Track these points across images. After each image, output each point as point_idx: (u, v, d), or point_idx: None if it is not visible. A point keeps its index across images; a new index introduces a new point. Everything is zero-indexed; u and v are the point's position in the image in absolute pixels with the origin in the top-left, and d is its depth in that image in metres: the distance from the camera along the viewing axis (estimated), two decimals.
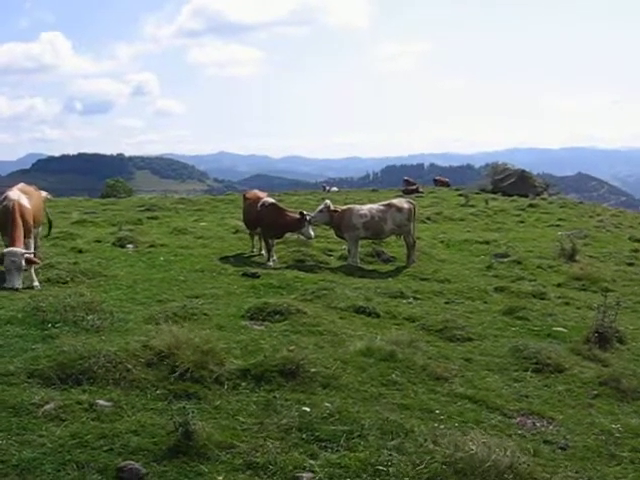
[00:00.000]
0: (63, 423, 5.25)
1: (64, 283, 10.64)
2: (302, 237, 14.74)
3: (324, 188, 47.80)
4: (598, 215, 29.63)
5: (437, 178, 50.27)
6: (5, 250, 10.08)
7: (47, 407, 5.48)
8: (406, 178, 44.68)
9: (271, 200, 14.64)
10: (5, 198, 10.78)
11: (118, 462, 4.69)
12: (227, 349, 6.94)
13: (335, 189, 47.55)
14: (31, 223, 10.86)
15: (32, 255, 10.28)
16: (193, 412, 5.16)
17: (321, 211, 14.64)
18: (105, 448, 4.92)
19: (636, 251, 18.88)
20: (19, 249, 10.05)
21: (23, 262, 9.95)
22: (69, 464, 4.67)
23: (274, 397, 5.99)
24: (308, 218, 13.96)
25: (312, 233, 14.18)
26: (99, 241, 15.53)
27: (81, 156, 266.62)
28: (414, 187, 40.03)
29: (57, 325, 7.62)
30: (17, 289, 9.80)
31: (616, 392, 7.20)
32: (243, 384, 6.25)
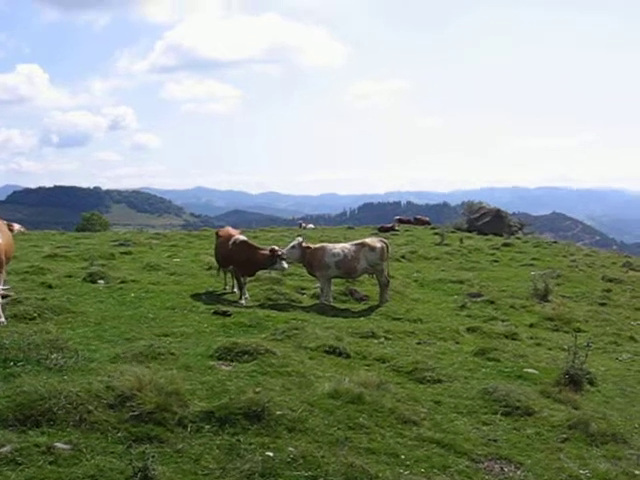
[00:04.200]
0: (19, 467, 5.10)
1: (31, 319, 10.42)
2: (276, 272, 14.69)
3: (300, 225, 47.88)
4: (571, 255, 29.76)
5: (417, 217, 50.67)
6: None
7: (3, 450, 5.32)
8: (398, 217, 45.87)
9: (242, 237, 14.54)
10: None
11: None
12: (192, 390, 6.82)
13: (311, 226, 47.66)
14: (2, 258, 10.65)
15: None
16: (153, 456, 5.05)
17: (293, 247, 14.55)
18: None
19: (608, 291, 19.00)
20: None
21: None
22: None
23: (238, 441, 5.86)
24: (279, 253, 13.86)
25: (286, 265, 14.05)
26: (70, 276, 15.30)
27: (58, 189, 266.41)
28: (390, 225, 40.56)
29: (19, 363, 7.44)
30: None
31: (585, 436, 7.15)
32: (207, 427, 6.12)
